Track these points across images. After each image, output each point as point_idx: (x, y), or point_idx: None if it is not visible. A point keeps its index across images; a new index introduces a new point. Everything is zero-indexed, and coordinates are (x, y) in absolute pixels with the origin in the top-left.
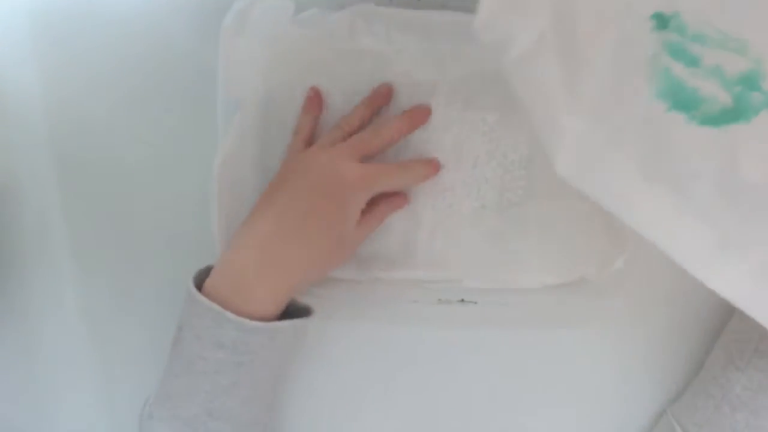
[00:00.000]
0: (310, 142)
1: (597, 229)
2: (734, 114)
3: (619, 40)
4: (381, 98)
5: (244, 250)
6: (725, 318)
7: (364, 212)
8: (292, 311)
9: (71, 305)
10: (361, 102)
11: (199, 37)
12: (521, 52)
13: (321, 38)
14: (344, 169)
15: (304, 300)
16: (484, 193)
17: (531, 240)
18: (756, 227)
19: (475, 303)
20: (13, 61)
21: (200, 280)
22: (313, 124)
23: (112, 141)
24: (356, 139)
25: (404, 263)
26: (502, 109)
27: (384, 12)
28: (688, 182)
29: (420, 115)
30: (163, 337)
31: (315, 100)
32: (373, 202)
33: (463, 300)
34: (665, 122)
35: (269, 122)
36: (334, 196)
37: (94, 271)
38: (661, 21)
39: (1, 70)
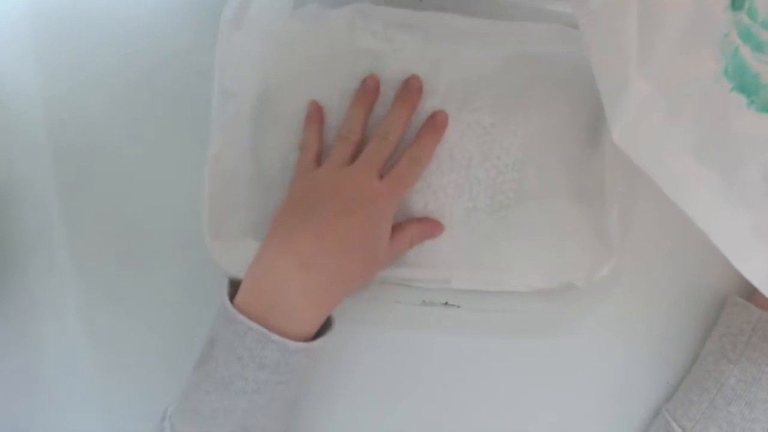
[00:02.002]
0: (320, 157)
1: (587, 234)
2: None
3: (696, 11)
4: (372, 94)
5: (284, 270)
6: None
7: (393, 230)
8: None
9: (71, 306)
10: (353, 103)
11: (197, 36)
12: (603, 2)
13: (319, 34)
14: (372, 187)
15: None
16: (476, 194)
17: (520, 243)
18: None
19: (458, 307)
20: (12, 60)
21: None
22: (320, 137)
23: (111, 139)
24: (371, 153)
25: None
26: (498, 112)
27: (383, 11)
28: (736, 168)
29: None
30: (162, 338)
31: (316, 114)
32: (402, 224)
33: (447, 303)
34: (727, 103)
35: (264, 116)
36: (367, 215)
37: (94, 272)
38: (737, 1)
39: (0, 69)
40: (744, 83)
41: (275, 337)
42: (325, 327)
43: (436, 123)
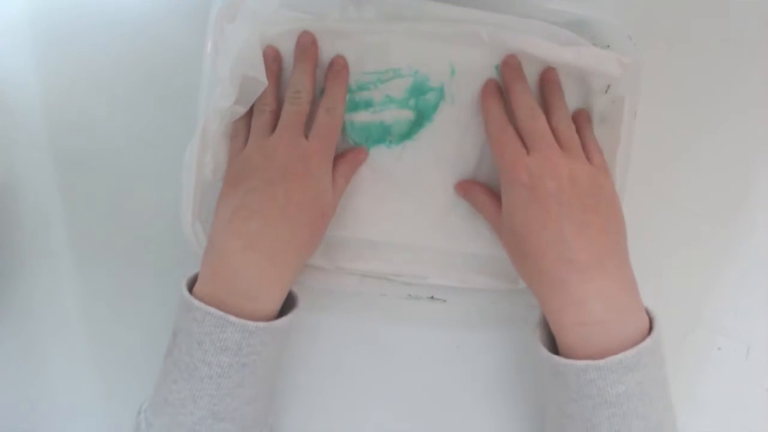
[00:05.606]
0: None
1: None
2: (419, 121)
3: None
4: (274, 63)
5: (235, 252)
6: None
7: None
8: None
9: (71, 305)
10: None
11: (198, 37)
12: None
13: (310, 22)
14: (300, 147)
15: None
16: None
17: (497, 243)
18: None
19: (444, 301)
20: (12, 61)
21: (189, 287)
22: (248, 124)
23: (112, 140)
24: (288, 116)
25: (370, 255)
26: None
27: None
28: None
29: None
30: (162, 338)
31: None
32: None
33: (432, 297)
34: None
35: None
36: (305, 175)
37: (94, 272)
38: None
39: (1, 70)
40: (374, 136)
41: (233, 319)
42: (290, 307)
43: (337, 68)
